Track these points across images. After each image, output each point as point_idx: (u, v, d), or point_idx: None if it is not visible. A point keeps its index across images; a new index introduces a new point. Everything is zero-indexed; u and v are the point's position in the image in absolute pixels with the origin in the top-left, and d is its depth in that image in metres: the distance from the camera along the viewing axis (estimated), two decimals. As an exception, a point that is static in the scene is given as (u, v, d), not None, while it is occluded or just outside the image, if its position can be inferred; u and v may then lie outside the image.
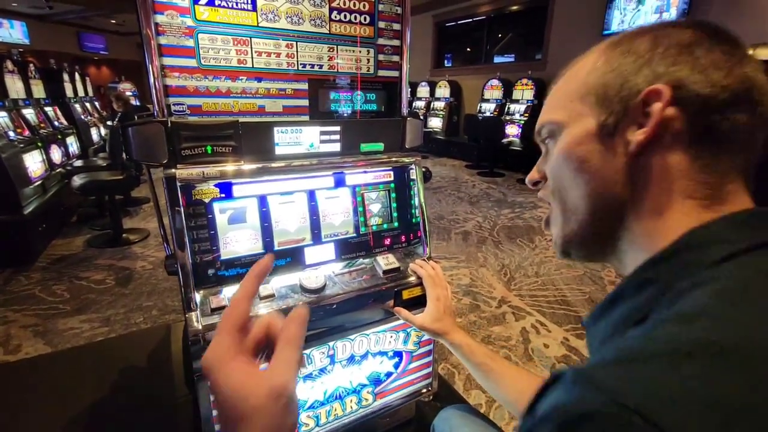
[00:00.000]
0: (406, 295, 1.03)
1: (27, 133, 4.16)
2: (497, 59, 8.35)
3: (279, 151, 0.99)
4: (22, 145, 3.76)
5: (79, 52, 12.66)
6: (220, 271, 0.92)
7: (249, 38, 0.91)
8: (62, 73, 6.03)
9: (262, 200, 0.98)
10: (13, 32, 10.50)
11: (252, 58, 0.92)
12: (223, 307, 0.86)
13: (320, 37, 1.00)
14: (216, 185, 0.91)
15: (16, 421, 1.73)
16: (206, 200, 0.90)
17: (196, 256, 0.88)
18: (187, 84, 0.87)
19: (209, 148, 0.89)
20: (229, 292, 0.92)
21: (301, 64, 0.99)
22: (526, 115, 6.90)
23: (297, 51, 0.98)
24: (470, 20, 8.58)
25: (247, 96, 0.94)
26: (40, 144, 4.15)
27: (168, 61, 0.84)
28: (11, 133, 3.85)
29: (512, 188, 5.95)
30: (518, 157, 6.74)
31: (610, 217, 0.43)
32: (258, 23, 0.91)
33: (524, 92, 7.03)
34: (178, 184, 0.83)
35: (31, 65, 4.94)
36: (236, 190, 0.94)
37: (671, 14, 5.06)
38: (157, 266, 3.38)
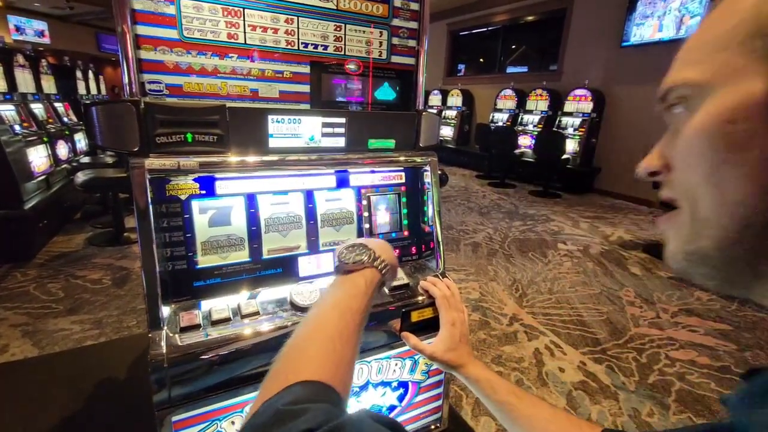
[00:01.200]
0: (415, 316, 0.88)
1: (34, 127, 4.11)
2: (511, 69, 8.24)
3: (273, 143, 0.85)
4: (27, 139, 3.69)
5: (97, 53, 12.86)
6: (197, 281, 0.78)
7: (242, 9, 0.78)
8: (75, 71, 6.04)
9: (251, 199, 0.84)
10: (35, 32, 10.69)
11: (245, 32, 0.79)
12: (196, 326, 0.72)
13: (326, 12, 0.86)
14: (196, 180, 0.77)
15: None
16: (182, 197, 0.76)
17: (168, 262, 0.74)
18: (166, 59, 0.74)
19: (189, 136, 0.75)
20: (206, 305, 0.77)
21: (302, 43, 0.86)
22: (540, 126, 6.75)
23: (298, 27, 0.84)
24: (485, 29, 8.49)
25: (237, 77, 0.81)
26: (45, 139, 4.09)
27: (143, 30, 0.71)
28: (17, 127, 3.79)
29: (524, 200, 5.78)
30: (530, 168, 6.57)
31: None
32: (253, -8, 0.79)
33: (538, 103, 6.90)
34: (148, 176, 0.70)
35: (43, 61, 4.92)
36: (220, 187, 0.80)
37: (684, 31, 4.90)
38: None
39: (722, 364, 2.14)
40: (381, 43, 0.93)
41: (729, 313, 2.70)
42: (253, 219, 0.84)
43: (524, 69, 8.01)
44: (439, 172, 1.05)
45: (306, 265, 0.90)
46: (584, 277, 3.21)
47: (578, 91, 6.18)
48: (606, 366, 2.10)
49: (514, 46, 8.25)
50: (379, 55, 0.95)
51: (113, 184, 3.68)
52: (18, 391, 1.83)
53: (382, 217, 1.01)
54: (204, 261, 0.79)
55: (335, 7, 0.87)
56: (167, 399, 0.65)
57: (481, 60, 9.13)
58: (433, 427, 1.06)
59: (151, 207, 0.69)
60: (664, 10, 5.19)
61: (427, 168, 1.02)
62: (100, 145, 0.69)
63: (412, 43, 0.97)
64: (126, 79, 0.70)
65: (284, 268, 0.87)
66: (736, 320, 2.60)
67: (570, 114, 6.31)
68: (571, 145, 6.14)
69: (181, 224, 0.75)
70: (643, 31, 5.45)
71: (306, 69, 0.88)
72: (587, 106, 6.07)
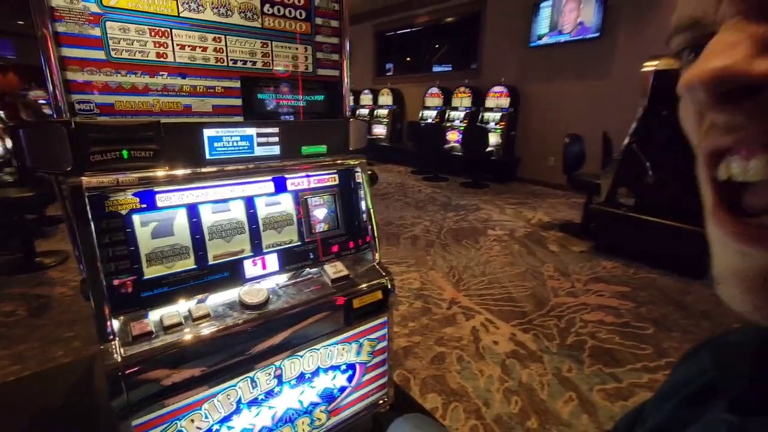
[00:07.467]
0: (357, 303, 0.98)
1: None
2: (436, 68, 8.62)
3: (210, 155, 0.90)
4: None
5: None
6: (144, 292, 0.81)
7: (169, 29, 0.82)
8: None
9: (193, 210, 0.88)
10: None
11: (174, 51, 0.83)
12: (148, 333, 0.75)
13: (252, 31, 0.92)
14: (135, 194, 0.79)
15: None
16: (123, 212, 0.78)
17: (113, 276, 0.77)
18: (94, 79, 0.75)
19: (125, 153, 0.78)
20: (156, 314, 0.81)
21: (231, 60, 0.91)
22: (465, 121, 7.17)
23: (226, 45, 0.89)
24: (409, 30, 8.79)
25: (169, 94, 0.84)
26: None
27: (68, 52, 0.72)
28: None
29: (456, 192, 6.13)
30: (460, 162, 6.98)
31: None
32: (179, 13, 0.82)
33: (463, 100, 7.32)
34: (86, 194, 0.72)
35: None
36: (160, 200, 0.83)
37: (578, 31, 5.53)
38: (79, 292, 3.03)
39: (624, 320, 2.52)
40: (306, 57, 1.02)
41: (628, 277, 3.15)
42: (196, 228, 0.88)
43: (449, 68, 8.42)
44: (369, 171, 1.16)
45: (251, 267, 0.96)
46: (512, 258, 3.54)
47: (496, 88, 6.67)
48: (532, 334, 2.37)
49: (437, 46, 8.63)
50: (306, 69, 1.03)
51: (19, 204, 3.34)
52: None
53: (320, 217, 1.09)
54: (150, 272, 0.82)
55: (260, 26, 0.93)
56: (125, 404, 0.69)
57: (408, 60, 9.44)
58: (381, 401, 1.18)
59: (92, 224, 0.71)
60: (560, 12, 5.78)
61: (358, 169, 1.12)
62: (31, 166, 0.70)
63: (335, 56, 1.06)
64: (53, 100, 0.71)
65: (231, 272, 0.92)
66: (633, 282, 3.05)
67: (491, 109, 6.79)
68: (493, 139, 6.61)
69: (123, 238, 0.77)
70: (544, 32, 6.03)
71: (237, 84, 0.93)
72: (505, 102, 6.57)
